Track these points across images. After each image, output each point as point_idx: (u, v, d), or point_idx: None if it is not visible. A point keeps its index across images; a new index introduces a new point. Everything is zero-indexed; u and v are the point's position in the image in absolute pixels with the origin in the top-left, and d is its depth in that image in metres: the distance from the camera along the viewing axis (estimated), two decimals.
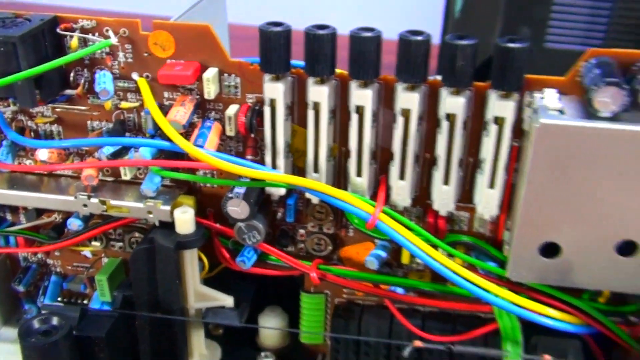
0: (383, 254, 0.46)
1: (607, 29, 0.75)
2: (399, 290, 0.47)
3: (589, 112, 0.37)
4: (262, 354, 0.51)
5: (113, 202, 0.45)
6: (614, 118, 0.37)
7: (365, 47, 0.40)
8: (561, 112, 0.38)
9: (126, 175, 0.46)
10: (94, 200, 0.45)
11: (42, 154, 0.46)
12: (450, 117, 0.41)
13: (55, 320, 0.44)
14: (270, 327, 0.52)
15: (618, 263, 0.40)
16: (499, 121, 0.40)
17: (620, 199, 0.38)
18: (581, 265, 0.41)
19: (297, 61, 0.42)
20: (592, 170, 0.38)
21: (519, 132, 0.41)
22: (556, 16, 0.76)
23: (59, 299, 0.52)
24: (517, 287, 0.45)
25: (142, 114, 0.45)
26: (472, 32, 0.81)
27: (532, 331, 0.45)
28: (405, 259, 0.47)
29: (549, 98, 0.39)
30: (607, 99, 0.37)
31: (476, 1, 0.80)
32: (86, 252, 0.52)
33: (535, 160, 0.38)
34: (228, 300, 0.48)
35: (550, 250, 0.41)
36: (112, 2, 1.05)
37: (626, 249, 0.40)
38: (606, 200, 0.38)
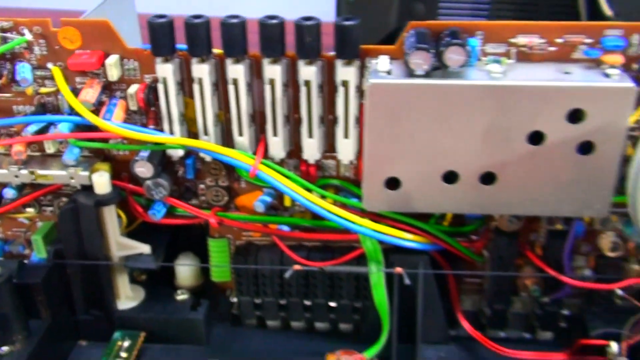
0: (268, 199, 0.56)
1: (490, 2, 0.85)
2: (285, 228, 0.58)
3: (408, 72, 0.48)
4: (179, 291, 0.61)
5: (40, 172, 0.55)
6: (427, 75, 0.48)
7: (234, 31, 0.49)
8: (389, 73, 0.49)
9: (50, 149, 0.55)
10: (24, 171, 0.54)
11: None
12: (307, 83, 0.51)
13: None
14: (180, 264, 0.61)
15: (444, 189, 0.51)
16: (345, 84, 0.51)
17: (440, 138, 0.49)
18: (417, 193, 0.51)
19: (182, 45, 0.51)
20: (416, 117, 0.48)
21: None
22: None
23: (1, 259, 0.61)
24: (378, 218, 0.55)
25: (59, 97, 0.54)
26: (370, 12, 0.89)
27: (391, 252, 0.56)
28: (287, 202, 0.57)
29: (382, 63, 0.49)
30: (419, 60, 0.47)
31: None
32: (22, 219, 0.61)
33: (370, 112, 0.48)
34: (145, 248, 0.57)
35: (392, 183, 0.51)
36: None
37: (450, 177, 0.51)
38: (430, 140, 0.49)
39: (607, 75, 0.47)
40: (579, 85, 0.47)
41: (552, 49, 0.49)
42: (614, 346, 0.51)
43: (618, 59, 0.48)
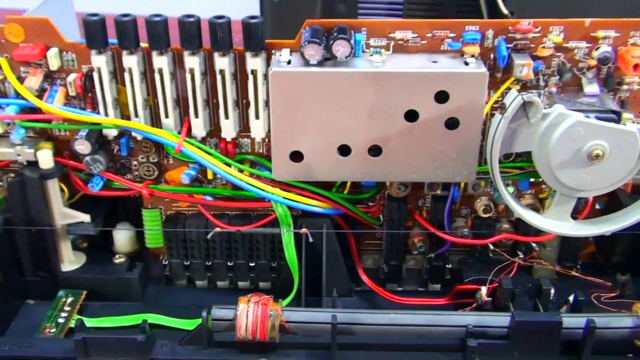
0: (193, 172, 0.65)
1: (404, 3, 0.94)
2: (209, 198, 0.67)
3: (304, 62, 0.57)
4: (117, 255, 0.69)
5: None
6: (319, 64, 0.57)
7: (158, 27, 0.58)
8: (289, 63, 0.58)
9: None
10: None
11: None
12: (222, 72, 0.60)
13: None
14: (118, 228, 0.70)
15: (340, 161, 0.60)
16: (253, 72, 0.60)
17: (334, 117, 0.58)
18: (318, 165, 0.60)
19: (113, 39, 0.60)
20: (312, 99, 0.57)
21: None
22: None
23: None
24: (287, 187, 0.64)
25: (6, 84, 0.62)
26: (295, 11, 0.98)
27: (299, 216, 0.65)
28: (209, 175, 0.66)
29: (283, 54, 0.59)
30: (312, 52, 0.56)
31: None
32: None
33: (273, 95, 0.57)
34: (85, 217, 0.65)
35: (296, 156, 0.60)
36: None
37: (344, 151, 0.60)
38: (325, 118, 0.58)
39: (466, 63, 0.57)
40: (443, 71, 0.57)
41: (423, 42, 0.59)
42: (483, 289, 0.62)
43: (475, 49, 0.58)
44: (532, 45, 0.59)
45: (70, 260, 0.67)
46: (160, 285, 0.70)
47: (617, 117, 0.57)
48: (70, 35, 0.62)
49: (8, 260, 0.64)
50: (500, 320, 0.54)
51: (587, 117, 0.56)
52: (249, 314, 0.53)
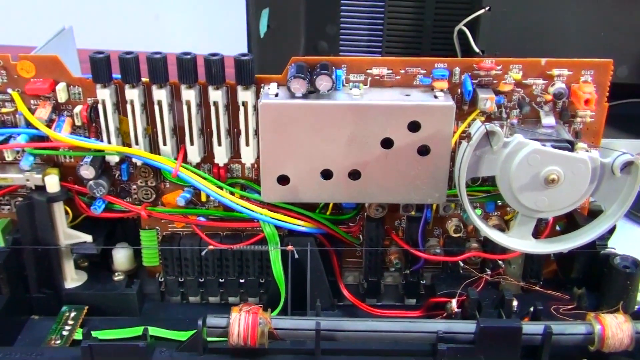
0: (188, 195, 0.71)
1: (382, 41, 0.98)
2: (202, 219, 0.72)
3: (290, 95, 0.64)
4: (116, 273, 0.74)
5: (0, 175, 0.68)
6: (304, 97, 0.63)
7: (158, 64, 0.64)
8: (276, 95, 0.64)
9: (9, 157, 0.69)
10: None
11: None
12: (215, 104, 0.66)
13: None
14: (118, 247, 0.75)
15: (323, 184, 0.66)
16: (244, 104, 0.66)
17: (317, 144, 0.64)
18: (303, 187, 0.66)
19: (117, 74, 0.66)
20: (297, 128, 0.63)
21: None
22: (345, 32, 0.99)
23: None
24: (274, 208, 0.70)
25: (17, 115, 0.67)
26: (280, 47, 1.04)
27: (285, 235, 0.71)
28: (203, 198, 0.72)
29: (271, 88, 0.65)
30: (297, 85, 0.63)
31: (280, 23, 0.98)
32: None
33: (262, 125, 0.63)
34: (88, 237, 0.71)
35: (283, 180, 0.66)
36: None
37: (326, 174, 0.66)
38: (309, 145, 0.64)
39: (436, 97, 0.64)
40: (415, 104, 0.63)
41: (397, 77, 0.66)
42: (452, 302, 0.68)
43: (444, 85, 0.65)
44: (494, 82, 0.66)
45: (73, 278, 0.72)
46: (156, 301, 0.75)
47: (570, 146, 0.64)
48: (72, 69, 0.68)
49: (15, 277, 0.69)
50: (467, 327, 0.59)
51: (544, 145, 0.62)
52: (241, 322, 0.58)
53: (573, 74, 0.66)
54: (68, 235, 0.70)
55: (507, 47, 0.91)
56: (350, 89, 0.64)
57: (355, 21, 0.99)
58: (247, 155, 0.68)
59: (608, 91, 0.67)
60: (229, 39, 1.05)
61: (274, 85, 0.65)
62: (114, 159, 0.68)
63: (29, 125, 0.66)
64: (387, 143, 0.64)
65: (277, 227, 0.70)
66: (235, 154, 0.70)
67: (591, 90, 0.65)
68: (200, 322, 0.59)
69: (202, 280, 0.74)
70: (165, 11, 1.48)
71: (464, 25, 0.90)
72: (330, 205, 0.71)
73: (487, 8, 0.88)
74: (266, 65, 0.96)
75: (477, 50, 0.91)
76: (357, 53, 1.02)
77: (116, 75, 0.66)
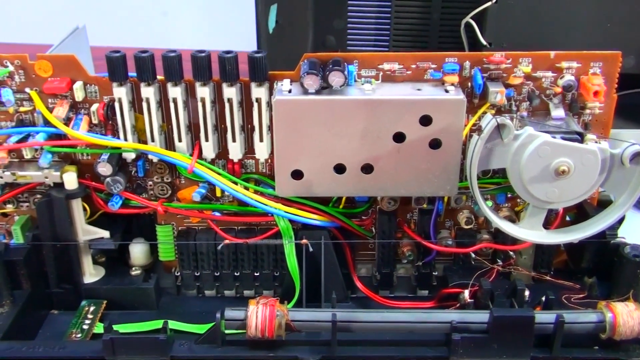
0: (203, 190, 0.72)
1: (390, 35, 0.99)
2: (217, 213, 0.73)
3: (304, 91, 0.65)
4: (133, 268, 0.75)
5: (20, 173, 0.69)
6: (317, 93, 0.64)
7: (172, 62, 0.65)
8: (289, 91, 0.65)
9: (27, 155, 0.70)
10: (7, 173, 0.69)
11: None
12: (229, 100, 0.67)
13: None
14: (134, 242, 0.76)
15: (336, 178, 0.67)
16: (258, 100, 0.67)
17: (330, 139, 0.65)
18: (316, 182, 0.67)
19: (132, 73, 0.67)
20: (311, 123, 0.64)
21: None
22: (352, 26, 0.99)
23: None
24: (288, 202, 0.71)
25: (35, 114, 0.69)
26: (288, 43, 1.04)
27: (299, 229, 0.72)
28: (218, 193, 0.73)
29: (285, 84, 0.66)
30: (310, 82, 0.64)
31: (288, 19, 0.99)
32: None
33: (277, 120, 0.65)
34: (105, 233, 0.72)
35: (297, 174, 0.67)
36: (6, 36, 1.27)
37: (339, 169, 0.67)
38: (322, 140, 0.65)
39: (447, 91, 0.65)
40: (427, 98, 0.64)
41: (408, 72, 0.67)
42: (465, 293, 0.69)
43: (454, 79, 0.65)
44: (504, 75, 0.67)
45: (91, 273, 0.74)
46: (173, 295, 0.76)
47: (580, 138, 0.65)
48: (86, 67, 0.69)
49: (36, 273, 0.71)
50: (480, 316, 0.60)
51: (554, 137, 0.63)
52: (259, 314, 0.59)
53: (582, 66, 0.67)
54: (86, 231, 0.71)
55: (514, 39, 0.91)
56: (362, 84, 0.65)
57: (362, 16, 0.99)
58: (261, 151, 0.69)
59: (617, 83, 0.68)
60: (238, 35, 1.06)
61: (287, 81, 0.66)
62: (130, 156, 0.69)
63: (47, 123, 0.67)
64: (399, 137, 0.65)
65: (291, 221, 0.71)
66: (249, 149, 0.71)
67: (600, 82, 0.66)
68: (218, 315, 0.60)
69: (218, 274, 0.75)
70: (173, 8, 1.49)
71: (471, 18, 0.91)
72: (343, 199, 0.72)
73: (493, 0, 0.89)
74: (275, 60, 0.97)
75: (484, 43, 0.92)
76: (365, 47, 1.02)
77: (131, 73, 0.67)
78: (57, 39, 0.82)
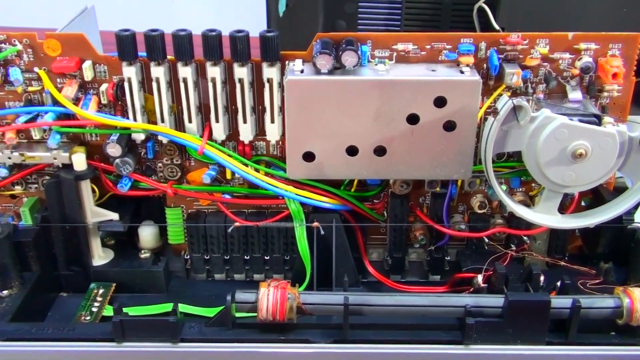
0: (213, 172, 0.71)
1: (401, 17, 0.99)
2: (227, 196, 0.72)
3: (316, 71, 0.63)
4: (142, 251, 0.75)
5: (29, 154, 0.68)
6: (330, 73, 0.63)
7: (183, 41, 0.64)
8: (302, 72, 0.64)
9: (36, 136, 0.69)
10: (15, 153, 0.68)
11: None
12: (240, 81, 0.66)
13: None
14: (143, 224, 0.75)
15: (348, 160, 0.66)
16: (269, 81, 0.66)
17: (342, 121, 0.64)
18: (328, 164, 0.66)
19: (142, 52, 0.66)
20: (323, 104, 0.63)
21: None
22: (363, 10, 0.99)
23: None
24: (299, 185, 0.70)
25: (44, 94, 0.68)
26: (298, 25, 1.03)
27: (310, 212, 0.71)
28: (228, 175, 0.72)
29: (297, 64, 0.65)
30: (323, 62, 0.63)
31: (298, 2, 0.96)
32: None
33: (288, 101, 0.64)
34: (114, 215, 0.71)
35: (309, 157, 0.66)
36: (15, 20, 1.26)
37: (351, 151, 0.66)
38: (334, 122, 0.64)
39: (462, 72, 0.64)
40: (441, 79, 0.63)
41: (422, 53, 0.65)
42: (478, 277, 0.68)
43: (470, 60, 0.64)
44: (521, 56, 0.66)
45: (100, 256, 0.73)
46: (182, 278, 0.76)
47: (598, 121, 0.63)
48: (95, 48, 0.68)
49: (45, 255, 0.70)
50: (495, 301, 0.60)
51: (571, 119, 0.62)
52: (270, 297, 0.59)
53: (600, 48, 0.66)
54: (95, 213, 0.71)
55: (527, 24, 0.89)
56: (376, 64, 0.64)
57: (373, 0, 0.98)
58: (272, 133, 0.68)
59: (636, 65, 0.67)
60: (248, 19, 1.04)
61: (299, 61, 0.65)
62: (139, 137, 0.68)
63: (55, 103, 0.67)
64: (412, 119, 0.64)
65: (302, 204, 0.70)
66: (260, 131, 0.70)
67: (619, 64, 0.65)
68: (229, 298, 0.60)
69: (228, 257, 0.74)
70: None
71: (484, 2, 0.89)
72: (355, 182, 0.71)
73: None
74: (286, 44, 0.95)
75: (497, 27, 0.90)
76: (375, 29, 1.01)
77: (141, 53, 0.66)
78: (65, 21, 0.81)
